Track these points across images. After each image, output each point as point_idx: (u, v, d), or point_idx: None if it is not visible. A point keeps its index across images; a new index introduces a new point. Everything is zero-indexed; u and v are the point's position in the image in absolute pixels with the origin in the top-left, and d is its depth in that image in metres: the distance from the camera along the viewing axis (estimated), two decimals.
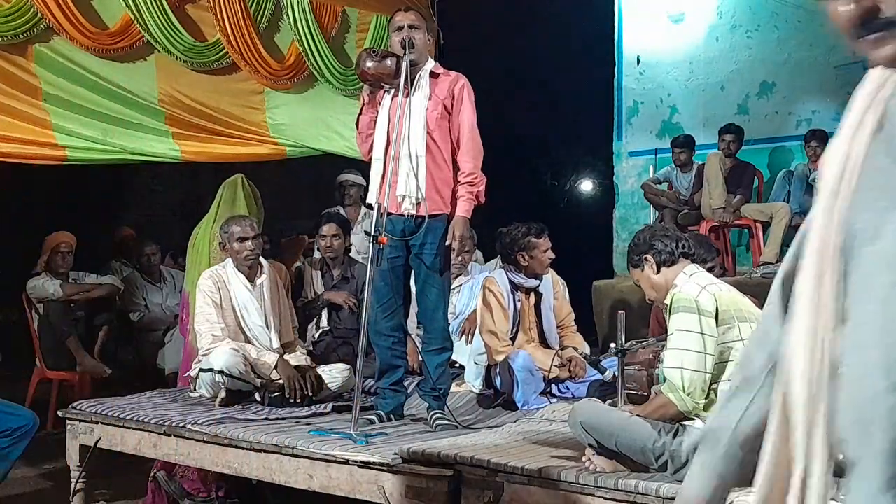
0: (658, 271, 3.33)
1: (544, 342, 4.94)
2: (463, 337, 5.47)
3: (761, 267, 6.89)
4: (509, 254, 4.85)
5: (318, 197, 8.38)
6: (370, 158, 4.29)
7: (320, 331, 5.70)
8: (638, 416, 3.19)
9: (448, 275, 4.46)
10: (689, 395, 3.06)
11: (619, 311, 3.83)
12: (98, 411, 4.43)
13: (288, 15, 6.28)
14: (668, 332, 3.21)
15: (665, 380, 3.17)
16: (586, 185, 14.14)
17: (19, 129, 5.14)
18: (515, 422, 4.23)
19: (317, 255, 6.13)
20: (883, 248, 0.93)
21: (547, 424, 4.07)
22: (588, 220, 11.51)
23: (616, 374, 3.77)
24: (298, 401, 4.49)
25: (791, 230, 6.90)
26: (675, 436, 3.08)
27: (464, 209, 4.18)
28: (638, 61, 8.93)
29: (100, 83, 5.50)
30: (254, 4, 6.13)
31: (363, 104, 4.32)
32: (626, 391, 3.70)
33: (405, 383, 4.49)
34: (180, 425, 4.11)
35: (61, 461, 4.67)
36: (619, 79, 9.08)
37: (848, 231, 0.97)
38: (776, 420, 1.01)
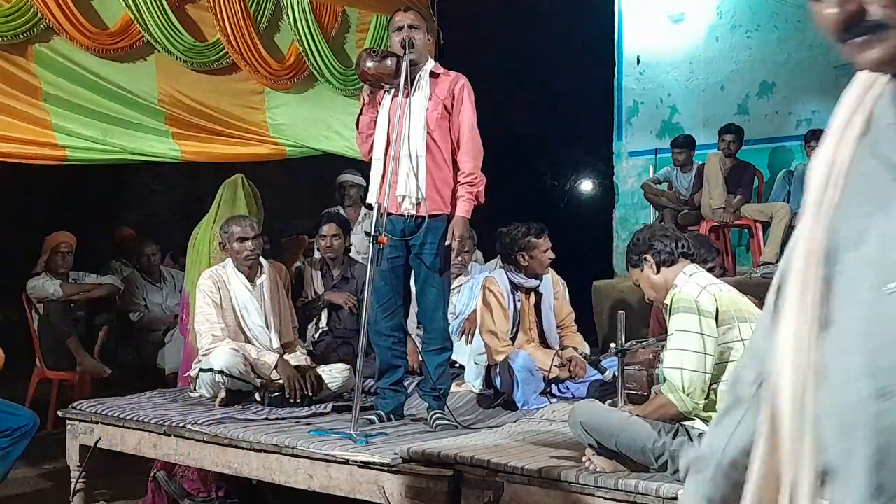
0: (658, 271, 3.33)
1: (544, 342, 4.95)
2: (463, 337, 5.47)
3: (761, 267, 6.90)
4: (509, 254, 4.85)
5: (318, 197, 8.38)
6: (370, 158, 4.29)
7: (320, 331, 5.70)
8: (638, 416, 3.19)
9: (448, 275, 4.47)
10: (688, 395, 3.06)
11: (619, 311, 3.83)
12: (98, 411, 4.43)
13: (288, 15, 6.29)
14: (668, 333, 3.21)
15: (665, 380, 3.17)
16: (586, 185, 14.14)
17: (19, 129, 5.14)
18: (515, 422, 4.23)
19: (317, 255, 6.14)
20: (867, 252, 0.92)
21: (547, 424, 4.07)
22: (588, 220, 11.51)
23: (616, 374, 3.77)
24: (298, 401, 4.49)
25: (791, 230, 6.88)
26: (675, 436, 3.09)
27: (463, 209, 4.18)
28: (638, 61, 8.93)
29: (100, 83, 5.50)
30: (254, 4, 6.13)
31: (363, 104, 4.32)
32: (626, 391, 3.70)
33: (405, 383, 4.50)
34: (180, 425, 4.11)
35: (61, 461, 4.67)
36: (619, 79, 9.08)
37: (832, 237, 0.96)
38: (764, 431, 1.00)
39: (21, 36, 5.17)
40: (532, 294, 4.93)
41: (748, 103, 8.25)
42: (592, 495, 3.07)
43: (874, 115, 0.97)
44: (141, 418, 4.26)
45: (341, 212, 6.61)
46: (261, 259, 4.89)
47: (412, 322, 5.33)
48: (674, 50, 8.69)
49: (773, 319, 1.02)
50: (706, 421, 3.06)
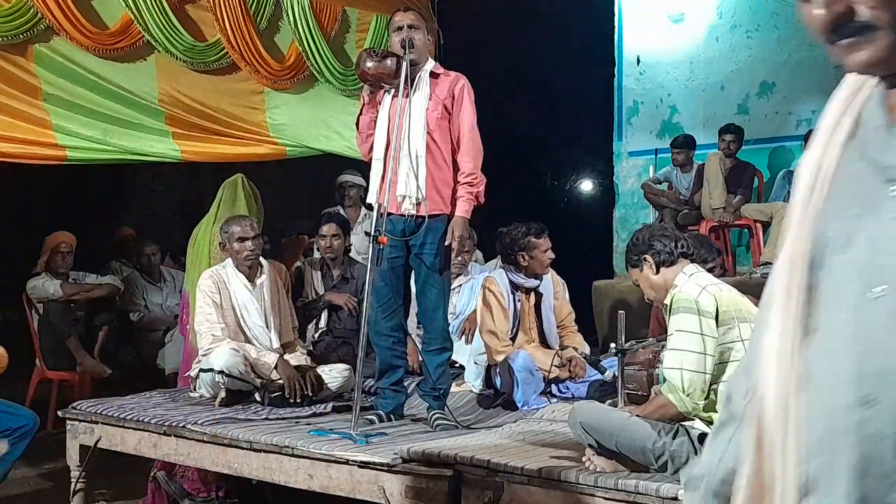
0: (657, 271, 3.32)
1: (544, 342, 4.95)
2: (463, 337, 5.47)
3: (761, 267, 6.90)
4: (509, 254, 4.85)
5: (318, 197, 8.38)
6: (370, 158, 4.29)
7: (320, 331, 5.70)
8: (638, 416, 3.19)
9: (448, 275, 4.47)
10: (688, 395, 3.06)
11: (619, 311, 3.83)
12: (98, 411, 4.43)
13: (288, 15, 6.29)
14: (668, 333, 3.21)
15: (665, 380, 3.17)
16: (586, 185, 14.13)
17: (19, 129, 5.14)
18: (515, 422, 4.23)
19: (316, 255, 6.14)
20: (855, 255, 0.90)
21: (547, 424, 4.07)
22: (588, 220, 11.51)
23: (616, 374, 3.77)
24: (298, 401, 4.49)
25: None
26: (675, 436, 3.09)
27: (463, 209, 4.18)
28: (638, 61, 8.93)
29: (100, 83, 5.50)
30: (254, 4, 6.13)
31: (363, 104, 4.32)
32: (626, 391, 3.70)
33: (405, 383, 4.49)
34: (180, 425, 4.11)
35: (61, 461, 4.67)
36: (619, 79, 9.07)
37: (819, 240, 0.95)
38: (750, 443, 0.97)
39: (21, 36, 5.17)
40: (532, 294, 4.93)
41: (748, 103, 8.25)
42: (592, 495, 3.07)
43: (863, 117, 0.95)
44: (141, 418, 4.26)
45: (341, 212, 6.61)
46: (261, 259, 4.89)
47: (412, 322, 5.33)
48: (674, 50, 8.69)
49: (759, 326, 1.01)
50: (706, 421, 3.06)
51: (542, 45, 11.50)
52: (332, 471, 3.62)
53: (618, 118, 9.11)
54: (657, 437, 3.09)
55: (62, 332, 6.34)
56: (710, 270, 3.86)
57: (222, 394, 4.48)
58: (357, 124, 4.40)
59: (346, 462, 3.57)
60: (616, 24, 9.09)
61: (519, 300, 4.88)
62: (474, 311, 5.24)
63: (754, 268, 7.11)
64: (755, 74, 8.20)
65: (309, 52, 6.31)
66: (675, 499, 2.89)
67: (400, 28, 4.20)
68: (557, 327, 5.01)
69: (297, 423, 4.19)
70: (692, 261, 3.38)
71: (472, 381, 5.00)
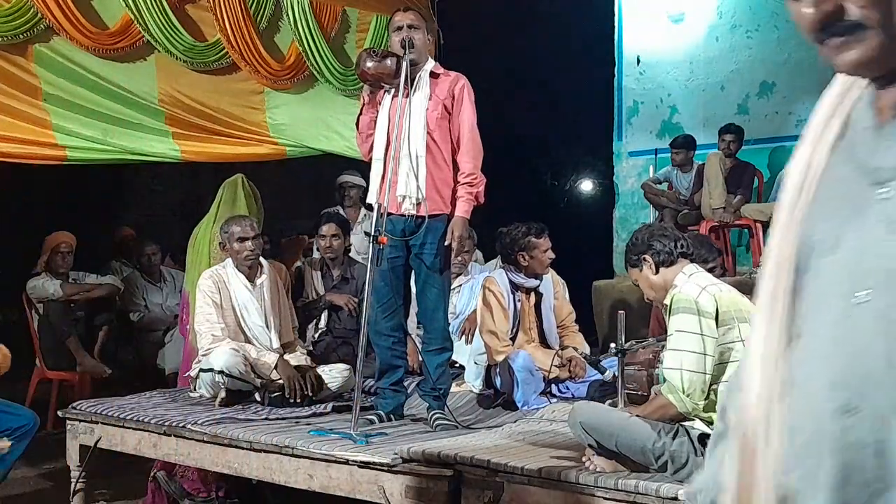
0: (657, 272, 3.32)
1: (544, 342, 4.95)
2: (463, 337, 5.47)
3: (761, 267, 6.89)
4: (509, 254, 4.85)
5: (318, 197, 8.38)
6: (370, 159, 4.29)
7: (320, 331, 5.70)
8: (638, 416, 3.19)
9: (448, 274, 4.47)
10: (688, 395, 3.06)
11: (619, 311, 3.83)
12: (98, 411, 4.43)
13: (288, 15, 6.29)
14: (668, 333, 3.21)
15: (665, 380, 3.17)
16: (586, 185, 14.13)
17: (19, 129, 5.14)
18: (515, 422, 4.23)
19: (316, 255, 6.13)
20: (841, 259, 0.88)
21: (547, 424, 4.07)
22: (588, 220, 11.51)
23: (616, 374, 3.77)
24: (298, 401, 4.49)
25: None
26: (674, 436, 3.09)
27: (463, 209, 4.17)
28: (638, 61, 8.93)
29: (100, 83, 5.50)
30: (254, 4, 6.13)
31: (363, 104, 4.32)
32: (626, 391, 3.70)
33: (405, 383, 4.49)
34: (180, 425, 4.11)
35: (61, 461, 4.67)
36: (619, 79, 9.07)
37: (805, 243, 0.93)
38: (736, 450, 0.95)
39: (21, 36, 5.17)
40: (532, 294, 4.93)
41: (748, 103, 8.24)
42: (592, 495, 3.07)
43: (852, 118, 0.94)
44: (141, 418, 4.26)
45: (341, 212, 6.61)
46: (261, 259, 4.89)
47: (412, 322, 5.33)
48: (674, 50, 8.69)
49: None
50: (706, 421, 3.06)
51: (542, 45, 11.50)
52: (332, 471, 3.62)
53: (618, 118, 9.11)
54: (657, 438, 3.09)
55: (62, 332, 6.34)
56: (710, 270, 3.85)
57: (222, 394, 4.48)
58: (357, 124, 4.40)
59: (346, 462, 3.57)
60: (616, 24, 9.09)
61: (519, 300, 4.88)
62: (474, 311, 5.24)
63: (754, 268, 7.11)
64: (755, 74, 8.20)
65: (309, 52, 6.31)
66: (675, 499, 2.89)
67: (400, 28, 4.20)
68: (558, 327, 5.01)
69: (297, 423, 4.19)
70: (692, 261, 3.38)
71: (472, 381, 5.00)
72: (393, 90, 4.19)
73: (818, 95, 1.00)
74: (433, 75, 4.24)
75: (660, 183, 8.15)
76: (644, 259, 3.34)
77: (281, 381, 4.55)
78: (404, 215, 4.17)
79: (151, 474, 4.59)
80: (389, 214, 4.11)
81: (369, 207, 4.49)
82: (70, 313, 6.54)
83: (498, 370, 4.67)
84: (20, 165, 5.55)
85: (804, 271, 0.92)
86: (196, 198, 8.61)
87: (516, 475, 3.22)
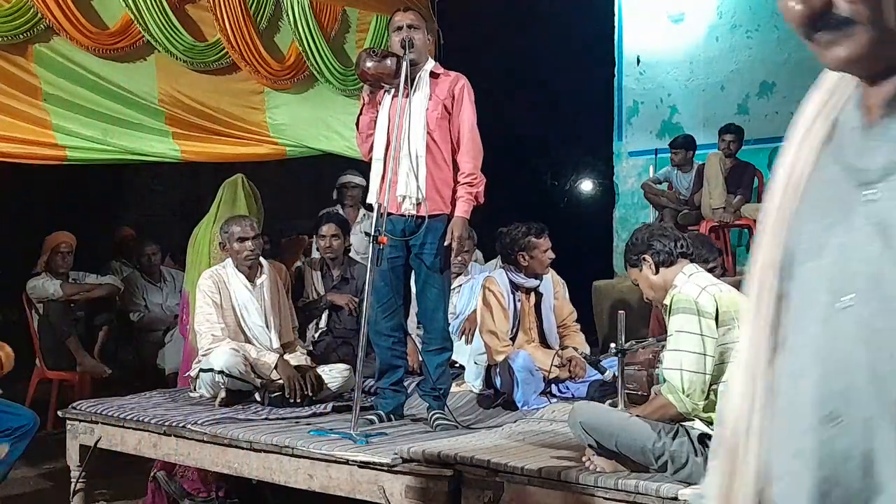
0: (657, 272, 3.32)
1: (544, 342, 4.95)
2: (463, 337, 5.47)
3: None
4: (509, 254, 4.84)
5: (318, 197, 8.37)
6: (370, 159, 4.29)
7: (320, 331, 5.70)
8: (638, 416, 3.19)
9: (448, 274, 4.46)
10: (688, 396, 3.06)
11: (619, 311, 3.83)
12: (98, 411, 4.43)
13: (288, 15, 6.29)
14: (668, 333, 3.21)
15: (665, 381, 3.17)
16: (586, 185, 14.13)
17: (19, 129, 5.14)
18: (515, 422, 4.23)
19: (315, 255, 6.13)
20: (825, 264, 0.85)
21: (547, 424, 4.07)
22: (588, 220, 11.51)
23: (616, 374, 3.77)
24: (298, 401, 4.49)
25: None
26: (674, 436, 3.08)
27: (462, 210, 4.17)
28: (638, 61, 8.93)
29: (100, 83, 5.50)
30: (254, 4, 6.13)
31: (363, 104, 4.32)
32: (626, 391, 3.69)
33: (405, 383, 4.49)
34: (180, 425, 4.11)
35: (61, 461, 4.67)
36: (619, 79, 9.08)
37: (790, 247, 0.90)
38: (721, 459, 0.93)
39: (21, 36, 5.17)
40: (532, 294, 4.93)
41: (748, 103, 8.25)
42: (592, 495, 3.07)
43: (839, 118, 0.91)
44: (141, 418, 4.26)
45: (340, 212, 6.61)
46: (261, 259, 4.89)
47: (412, 322, 5.33)
48: (674, 50, 8.69)
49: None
50: (706, 421, 3.06)
51: (542, 45, 11.50)
52: (332, 471, 3.62)
53: (618, 118, 9.11)
54: (657, 438, 3.09)
55: (62, 332, 6.34)
56: (710, 270, 3.85)
57: (222, 394, 4.48)
58: (357, 124, 4.40)
59: (346, 462, 3.57)
60: (616, 24, 9.10)
61: (519, 300, 4.87)
62: (474, 311, 5.24)
63: None
64: (755, 74, 8.20)
65: (309, 52, 6.31)
66: (675, 499, 2.89)
67: (400, 28, 4.20)
68: (559, 327, 5.01)
69: (297, 423, 4.19)
70: (692, 261, 3.37)
71: (472, 381, 5.00)
72: (393, 90, 4.19)
73: None
74: (433, 75, 4.24)
75: (660, 183, 8.15)
76: (644, 259, 3.34)
77: (281, 381, 4.55)
78: (404, 215, 4.17)
79: (151, 474, 4.59)
80: (389, 214, 4.11)
81: (369, 207, 4.49)
82: (70, 313, 6.54)
83: (498, 370, 4.67)
84: (20, 165, 5.55)
85: (789, 277, 0.90)
86: (196, 198, 8.61)
87: (516, 475, 3.22)
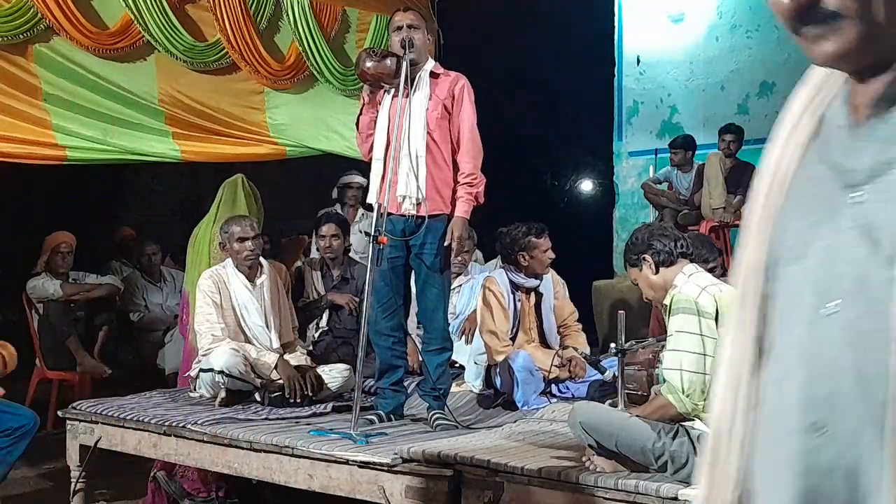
0: (657, 271, 3.32)
1: (544, 342, 4.95)
2: (463, 337, 5.47)
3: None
4: (509, 254, 4.84)
5: (318, 197, 8.37)
6: (370, 159, 4.29)
7: (320, 331, 5.70)
8: (637, 416, 3.19)
9: (448, 274, 4.46)
10: (688, 396, 3.06)
11: (619, 311, 3.83)
12: (98, 411, 4.43)
13: (288, 15, 6.29)
14: (668, 334, 3.20)
15: (664, 381, 3.17)
16: (586, 185, 14.13)
17: (19, 129, 5.14)
18: (515, 422, 4.23)
19: (314, 254, 6.13)
20: (810, 267, 0.83)
21: (547, 424, 4.07)
22: (588, 220, 11.51)
23: (616, 374, 3.76)
24: (298, 401, 4.48)
25: None
26: (674, 436, 3.08)
27: (462, 210, 4.17)
28: (638, 61, 8.93)
29: (100, 83, 5.50)
30: (254, 4, 6.13)
31: (363, 104, 4.32)
32: (626, 391, 3.69)
33: (405, 383, 4.49)
34: (180, 425, 4.11)
35: (61, 461, 4.67)
36: (619, 79, 9.08)
37: (775, 247, 0.88)
38: (704, 465, 0.92)
39: (21, 36, 5.17)
40: (532, 294, 4.92)
41: (748, 103, 8.25)
42: (592, 495, 3.07)
43: (826, 116, 0.89)
44: (141, 418, 4.26)
45: (339, 211, 6.62)
46: (261, 259, 4.89)
47: (412, 322, 5.33)
48: (674, 50, 8.69)
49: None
50: (706, 422, 3.06)
51: (542, 45, 11.50)
52: (332, 471, 3.62)
53: (618, 118, 9.11)
54: (657, 438, 3.09)
55: (62, 332, 6.34)
56: (710, 270, 3.85)
57: (222, 394, 4.48)
58: (357, 124, 4.40)
59: (346, 462, 3.57)
60: (616, 24, 9.10)
61: (519, 300, 4.87)
62: (474, 311, 5.24)
63: None
64: (755, 74, 8.20)
65: (309, 52, 6.31)
66: (675, 499, 2.89)
67: (400, 28, 4.20)
68: (560, 327, 5.01)
69: (297, 423, 4.19)
70: (692, 261, 3.37)
71: (472, 381, 5.00)
72: (393, 90, 4.19)
73: None
74: (433, 75, 4.24)
75: (660, 183, 8.15)
76: (644, 259, 3.33)
77: (281, 381, 4.55)
78: (404, 215, 4.17)
79: (151, 474, 4.59)
80: (389, 214, 4.11)
81: (369, 207, 4.49)
82: (70, 313, 6.54)
83: (498, 370, 4.67)
84: (20, 165, 5.55)
85: (774, 278, 0.88)
86: (196, 198, 8.61)
87: (516, 475, 3.22)
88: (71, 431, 4.52)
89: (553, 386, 4.79)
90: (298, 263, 6.12)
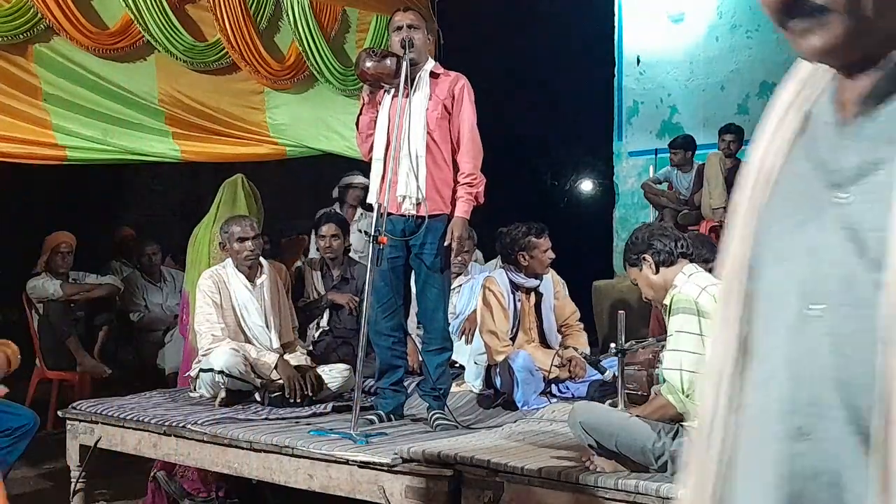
0: (657, 271, 3.32)
1: (544, 342, 4.95)
2: (463, 337, 5.47)
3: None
4: (509, 254, 4.84)
5: (318, 197, 8.38)
6: (370, 159, 4.29)
7: (320, 331, 5.70)
8: (637, 416, 3.19)
9: (448, 274, 4.46)
10: (688, 396, 3.05)
11: (619, 311, 3.83)
12: (98, 411, 4.43)
13: (288, 15, 6.29)
14: (668, 334, 3.20)
15: (664, 381, 3.17)
16: (586, 185, 14.14)
17: (19, 129, 5.14)
18: (515, 422, 4.23)
19: (313, 254, 6.13)
20: (794, 268, 0.82)
21: (547, 424, 4.07)
22: (588, 220, 11.51)
23: (616, 374, 3.76)
24: (298, 401, 4.48)
25: None
26: (674, 436, 3.08)
27: (462, 210, 4.17)
28: (638, 61, 8.93)
29: (100, 83, 5.50)
30: (254, 4, 6.13)
31: (363, 104, 4.32)
32: (626, 391, 3.69)
33: (405, 383, 4.49)
34: (180, 425, 4.11)
35: (61, 461, 4.67)
36: (619, 79, 9.08)
37: (759, 242, 0.87)
38: (689, 466, 0.90)
39: (21, 36, 5.17)
40: (532, 294, 4.92)
41: (748, 103, 8.25)
42: (592, 495, 3.07)
43: (813, 112, 0.88)
44: (141, 418, 4.26)
45: (338, 211, 6.62)
46: (261, 259, 4.89)
47: (412, 322, 5.33)
48: (674, 50, 8.69)
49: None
50: None
51: (542, 45, 11.50)
52: (332, 471, 3.62)
53: (618, 118, 9.11)
54: (657, 438, 3.09)
55: (62, 332, 6.34)
56: (710, 270, 3.84)
57: (222, 394, 4.48)
58: (357, 124, 4.40)
59: (346, 462, 3.57)
60: (616, 24, 9.10)
61: (519, 300, 4.87)
62: (474, 311, 5.23)
63: None
64: (755, 74, 8.20)
65: (309, 52, 6.31)
66: (676, 499, 2.89)
67: (400, 28, 4.20)
68: (562, 326, 5.01)
69: (297, 423, 4.19)
70: (692, 261, 3.37)
71: (472, 381, 5.00)
72: (393, 90, 4.19)
73: None
74: (433, 75, 4.24)
75: (660, 183, 8.15)
76: (644, 258, 3.33)
77: (281, 381, 4.55)
78: (404, 215, 4.17)
79: (151, 474, 4.59)
80: (389, 214, 4.11)
81: (369, 208, 4.49)
82: (70, 313, 6.54)
83: (498, 370, 4.67)
84: (20, 165, 5.55)
85: (758, 278, 0.86)
86: (196, 198, 8.61)
87: (516, 475, 3.22)
88: (71, 431, 4.52)
89: (553, 386, 4.79)
90: (298, 263, 6.12)
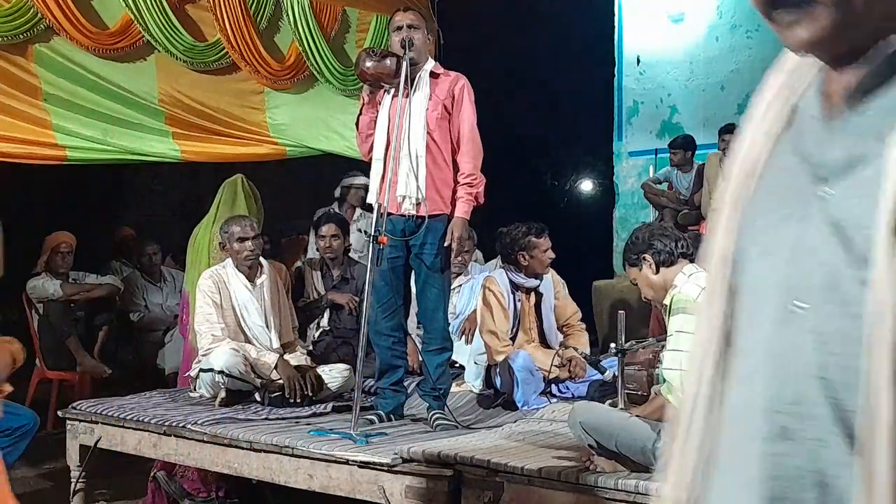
0: (657, 271, 3.31)
1: (544, 342, 4.95)
2: (463, 337, 5.47)
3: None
4: (509, 254, 4.84)
5: (318, 197, 8.37)
6: (370, 159, 4.29)
7: (320, 331, 5.70)
8: (637, 416, 3.19)
9: (448, 274, 4.46)
10: None
11: (619, 311, 3.83)
12: (98, 411, 4.43)
13: (288, 15, 6.29)
14: (668, 334, 3.20)
15: (664, 381, 3.17)
16: (586, 185, 14.14)
17: (19, 129, 5.14)
18: (515, 422, 4.23)
19: (312, 254, 6.13)
20: (778, 264, 0.80)
21: (547, 424, 4.07)
22: (588, 220, 11.52)
23: (616, 374, 3.77)
24: (298, 401, 4.49)
25: None
26: None
27: (462, 210, 4.17)
28: (638, 61, 8.93)
29: (100, 83, 5.50)
30: (254, 4, 6.13)
31: (363, 104, 4.32)
32: (626, 391, 3.69)
33: (405, 383, 4.49)
34: (180, 425, 4.11)
35: (61, 461, 4.67)
36: (619, 79, 9.08)
37: (744, 239, 0.86)
38: (671, 462, 0.89)
39: (21, 36, 5.18)
40: (532, 294, 4.92)
41: (748, 103, 8.23)
42: (592, 495, 3.07)
43: (799, 105, 0.86)
44: (141, 418, 4.26)
45: (337, 211, 6.62)
46: (261, 259, 4.89)
47: (412, 322, 5.33)
48: (674, 50, 8.69)
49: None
50: None
51: (542, 45, 11.51)
52: (332, 471, 3.62)
53: (618, 118, 9.11)
54: (657, 437, 3.08)
55: (62, 332, 6.34)
56: None
57: (222, 394, 4.48)
58: (357, 124, 4.40)
59: (346, 462, 3.57)
60: (616, 24, 9.10)
61: (519, 300, 4.87)
62: (474, 311, 5.23)
63: None
64: (755, 74, 8.18)
65: (309, 52, 6.31)
66: None
67: (400, 28, 4.20)
68: (563, 326, 5.01)
69: (297, 423, 4.19)
70: (692, 261, 3.37)
71: (472, 381, 5.00)
72: (393, 90, 4.19)
73: None
74: (433, 75, 4.24)
75: (660, 183, 8.15)
76: (644, 258, 3.33)
77: (281, 381, 4.55)
78: (404, 215, 4.17)
79: (151, 474, 4.59)
80: (389, 214, 4.11)
81: (369, 208, 4.49)
82: (70, 313, 6.54)
83: (498, 370, 4.67)
84: (20, 165, 5.55)
85: (741, 272, 0.85)
86: (196, 198, 8.61)
87: (516, 475, 3.22)
88: (71, 431, 4.52)
89: (553, 386, 4.79)
90: (298, 263, 6.12)
